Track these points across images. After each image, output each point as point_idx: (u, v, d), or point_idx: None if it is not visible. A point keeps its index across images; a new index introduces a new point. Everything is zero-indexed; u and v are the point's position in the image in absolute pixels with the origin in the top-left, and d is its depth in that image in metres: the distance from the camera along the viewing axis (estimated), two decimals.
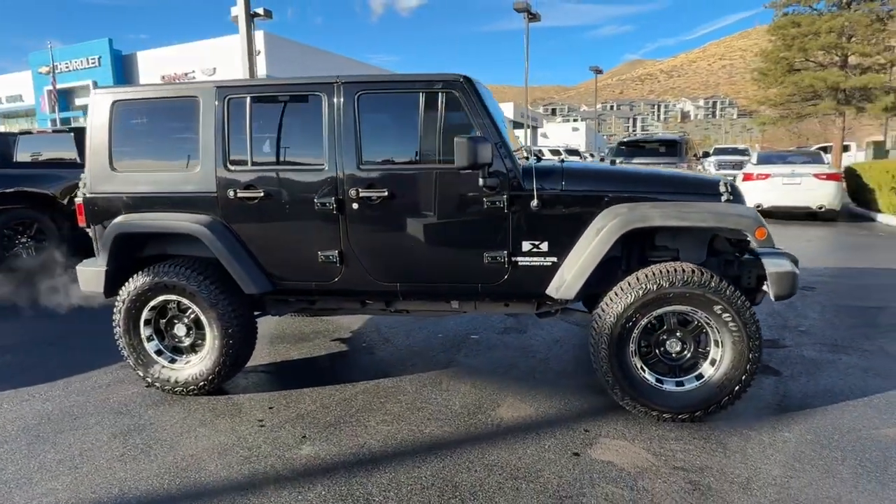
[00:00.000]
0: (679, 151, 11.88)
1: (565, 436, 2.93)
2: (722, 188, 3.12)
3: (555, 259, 3.16)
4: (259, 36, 25.18)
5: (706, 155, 17.44)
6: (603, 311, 3.01)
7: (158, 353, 3.54)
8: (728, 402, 2.95)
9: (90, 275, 3.56)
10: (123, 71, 35.49)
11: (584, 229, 3.10)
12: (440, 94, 3.19)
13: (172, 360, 3.55)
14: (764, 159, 11.55)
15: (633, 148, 12.56)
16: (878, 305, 5.06)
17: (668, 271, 2.90)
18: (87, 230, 3.68)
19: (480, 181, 3.07)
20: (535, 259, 3.17)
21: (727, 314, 2.86)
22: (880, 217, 10.95)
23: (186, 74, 33.98)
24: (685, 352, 3.04)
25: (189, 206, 3.40)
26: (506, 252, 3.17)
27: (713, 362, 2.98)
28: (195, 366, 3.46)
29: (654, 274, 2.91)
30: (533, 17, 27.53)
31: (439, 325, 4.82)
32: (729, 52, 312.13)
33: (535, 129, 58.38)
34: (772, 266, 2.93)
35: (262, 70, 25.99)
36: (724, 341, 2.92)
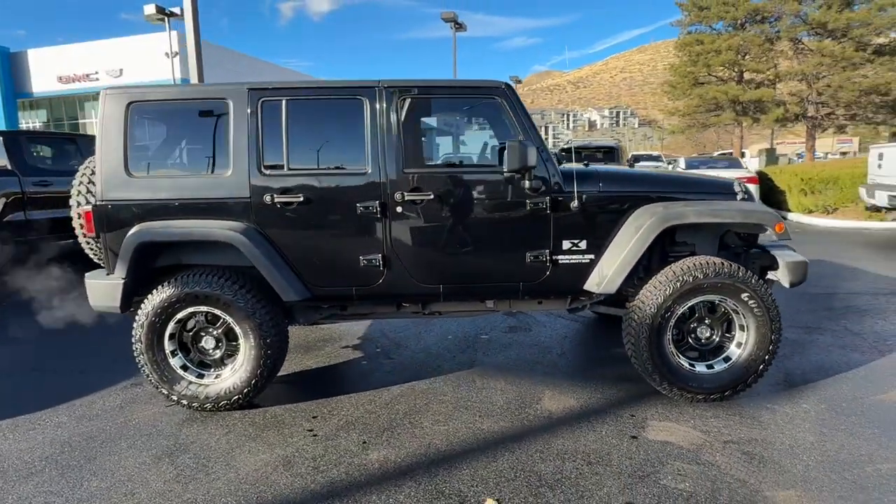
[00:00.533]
0: (616, 157, 12.64)
1: (616, 422, 3.11)
2: (737, 188, 3.46)
3: (592, 256, 3.35)
4: (174, 37, 23.87)
5: (636, 160, 18.65)
6: (643, 302, 3.22)
7: (184, 368, 3.35)
8: (753, 380, 3.27)
9: (104, 289, 3.30)
10: (12, 70, 32.29)
11: (618, 228, 3.31)
12: (483, 99, 3.29)
13: (200, 375, 3.37)
14: (691, 164, 12.60)
15: (574, 154, 13.15)
16: (827, 292, 5.73)
17: (703, 264, 3.17)
18: (85, 241, 3.43)
19: (526, 183, 3.21)
20: (574, 257, 3.35)
21: (753, 300, 3.18)
22: (791, 216, 12.28)
23: (88, 76, 31.50)
24: (713, 337, 3.33)
25: (219, 213, 3.26)
26: (547, 251, 3.32)
27: (739, 345, 3.28)
28: (226, 379, 3.31)
29: (690, 267, 3.17)
30: (459, 26, 28.09)
31: (445, 328, 4.88)
32: (629, 66, 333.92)
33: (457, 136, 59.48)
34: (787, 257, 3.29)
35: (176, 73, 24.66)
36: (748, 325, 3.23)
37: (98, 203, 3.29)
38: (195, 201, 3.27)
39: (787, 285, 3.30)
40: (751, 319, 3.21)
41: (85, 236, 3.47)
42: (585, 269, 3.36)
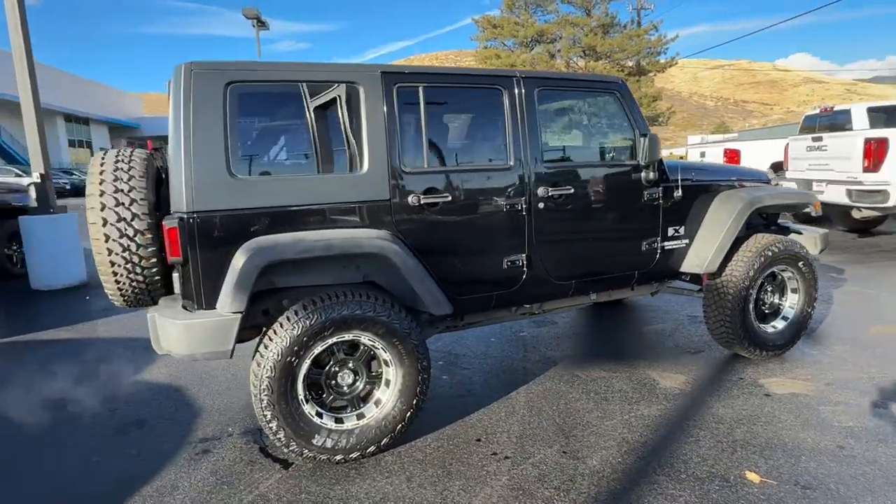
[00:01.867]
0: None
1: (737, 387, 3.46)
2: (770, 176, 4.12)
3: (687, 241, 3.66)
4: None
5: None
6: (733, 276, 3.63)
7: (319, 414, 2.71)
8: (803, 335, 3.94)
9: (205, 329, 2.48)
10: None
11: (705, 213, 3.68)
12: (603, 94, 3.34)
13: (338, 420, 2.76)
14: None
15: None
16: None
17: (777, 240, 3.71)
18: (125, 268, 2.59)
19: (651, 175, 3.36)
20: (675, 242, 3.61)
21: (805, 266, 3.84)
22: None
23: None
24: (776, 300, 3.92)
25: (349, 219, 2.72)
26: (658, 238, 3.52)
27: (792, 306, 3.93)
28: (372, 418, 2.78)
29: (769, 243, 3.68)
30: (262, 24, 26.35)
31: (473, 333, 4.72)
32: None
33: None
34: (813, 231, 4.03)
35: None
36: (800, 288, 3.89)
37: (187, 216, 2.46)
38: (325, 207, 2.67)
39: (817, 253, 4.05)
40: (802, 283, 3.87)
41: (132, 266, 2.57)
42: (682, 253, 3.65)
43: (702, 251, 3.63)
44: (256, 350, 2.60)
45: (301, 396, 2.63)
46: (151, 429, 3.18)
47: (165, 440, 3.04)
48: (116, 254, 2.67)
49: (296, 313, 2.55)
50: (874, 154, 6.59)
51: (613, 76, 3.38)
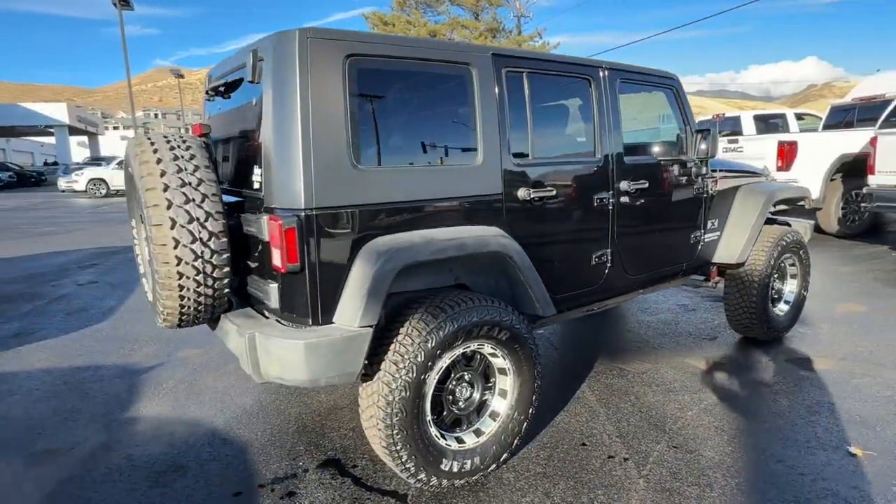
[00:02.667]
0: None
1: (774, 367, 3.71)
2: (766, 171, 4.47)
3: (719, 233, 3.84)
4: None
5: None
6: (754, 266, 3.88)
7: (441, 436, 2.40)
8: (800, 314, 4.34)
9: (340, 347, 2.07)
10: None
11: (730, 207, 3.89)
12: (663, 87, 3.37)
13: (459, 440, 2.48)
14: None
15: None
16: None
17: (787, 231, 4.02)
18: (199, 280, 2.15)
19: (704, 169, 3.47)
20: (712, 234, 3.78)
21: (805, 254, 4.22)
22: None
23: None
24: (779, 286, 4.25)
25: (466, 215, 2.46)
26: (701, 231, 3.66)
27: (792, 290, 4.29)
28: (490, 433, 2.54)
29: (782, 233, 3.98)
30: (126, 4, 23.47)
31: None
32: None
33: (93, 135, 49.15)
34: (803, 222, 4.45)
35: None
36: (799, 273, 4.27)
37: (305, 214, 2.04)
38: (439, 202, 2.38)
39: (807, 241, 4.47)
40: (801, 268, 4.25)
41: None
42: (715, 245, 3.83)
43: (733, 243, 3.83)
44: (378, 369, 2.23)
45: (428, 418, 2.31)
46: (199, 474, 2.62)
47: (227, 485, 2.52)
48: (187, 262, 2.16)
49: (426, 323, 2.23)
50: (787, 155, 7.51)
51: (671, 72, 3.43)
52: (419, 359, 2.19)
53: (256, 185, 2.25)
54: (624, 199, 3.06)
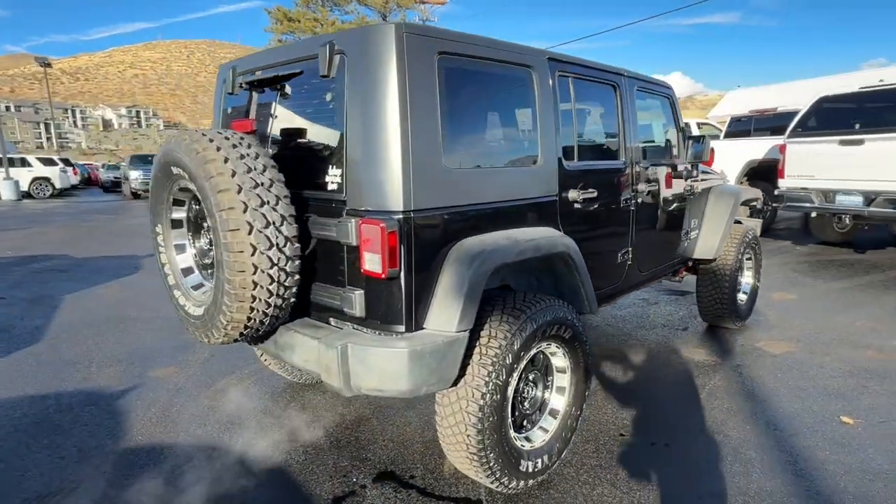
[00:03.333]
0: None
1: (749, 352, 4.09)
2: (723, 174, 4.91)
3: (698, 231, 4.18)
4: None
5: None
6: (726, 260, 4.27)
7: (516, 437, 2.41)
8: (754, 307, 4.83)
9: (441, 353, 2.01)
10: None
11: (705, 207, 4.25)
12: (663, 96, 3.61)
13: (529, 440, 2.50)
14: None
15: None
16: None
17: (749, 228, 4.46)
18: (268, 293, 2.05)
19: (694, 172, 3.76)
20: (694, 232, 4.10)
21: (759, 249, 4.71)
22: None
23: None
24: (740, 277, 4.70)
25: (528, 217, 2.49)
26: (687, 230, 3.96)
27: (748, 281, 4.76)
28: (553, 431, 2.59)
29: (746, 230, 4.41)
30: None
31: None
32: (139, 62, 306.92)
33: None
34: (754, 220, 4.95)
35: None
36: (753, 265, 4.74)
37: (404, 216, 1.97)
38: (514, 204, 2.40)
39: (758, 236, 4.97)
40: (755, 262, 4.74)
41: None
42: (695, 243, 4.16)
43: (709, 240, 4.18)
44: (463, 373, 2.18)
45: (509, 420, 2.31)
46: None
47: None
48: (262, 270, 1.99)
49: (510, 325, 2.22)
50: (710, 160, 8.32)
51: (667, 82, 3.68)
52: (507, 361, 2.18)
53: (334, 186, 2.12)
54: (640, 199, 3.24)
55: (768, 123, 9.41)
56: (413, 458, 2.74)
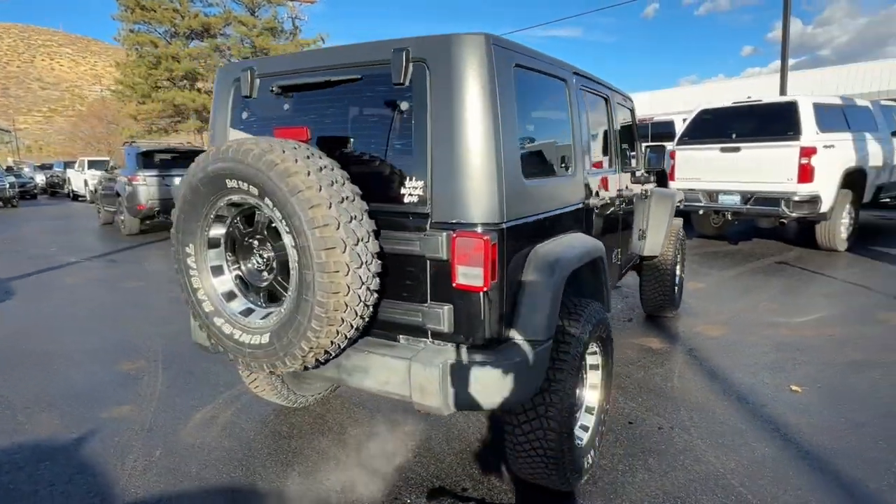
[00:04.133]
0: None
1: (694, 338, 4.60)
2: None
3: (646, 230, 4.60)
4: None
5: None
6: (667, 255, 4.75)
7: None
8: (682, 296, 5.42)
9: (536, 364, 2.03)
10: None
11: (649, 209, 4.70)
12: (626, 108, 3.92)
13: (579, 438, 2.59)
14: None
15: (154, 157, 11.26)
16: None
17: (679, 227, 5.00)
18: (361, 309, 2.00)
19: (652, 178, 4.14)
20: (643, 233, 4.51)
21: (685, 245, 5.30)
22: None
23: None
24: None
25: (569, 224, 2.61)
26: (641, 230, 4.35)
27: (678, 273, 5.32)
28: (592, 427, 2.72)
29: (678, 228, 4.94)
30: None
31: None
32: None
33: None
34: (677, 219, 5.55)
35: None
36: (680, 260, 5.33)
37: (497, 229, 1.98)
38: (559, 212, 2.50)
39: None
40: (682, 255, 5.31)
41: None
42: (645, 241, 4.58)
43: (655, 239, 4.63)
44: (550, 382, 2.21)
45: (578, 421, 2.40)
46: None
47: None
48: (353, 290, 1.88)
49: (575, 329, 2.31)
50: None
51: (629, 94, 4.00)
52: (575, 363, 2.26)
53: (413, 199, 2.03)
54: (623, 204, 3.51)
55: (643, 131, 10.55)
56: (453, 471, 2.71)
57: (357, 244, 1.86)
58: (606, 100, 3.30)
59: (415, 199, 2.04)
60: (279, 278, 2.06)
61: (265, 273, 2.11)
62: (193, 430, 3.14)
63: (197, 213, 2.07)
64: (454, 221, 1.97)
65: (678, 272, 5.23)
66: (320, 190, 1.81)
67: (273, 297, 2.15)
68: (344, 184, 1.91)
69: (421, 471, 2.71)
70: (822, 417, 3.17)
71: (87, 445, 2.99)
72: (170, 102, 23.36)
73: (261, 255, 2.10)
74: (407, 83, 2.01)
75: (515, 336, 2.09)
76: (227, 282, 2.16)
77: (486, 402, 1.98)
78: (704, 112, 8.00)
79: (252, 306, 2.14)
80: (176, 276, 2.20)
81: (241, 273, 2.16)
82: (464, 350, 2.03)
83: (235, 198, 1.97)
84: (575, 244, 2.39)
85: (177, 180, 11.10)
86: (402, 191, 2.06)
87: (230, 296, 2.14)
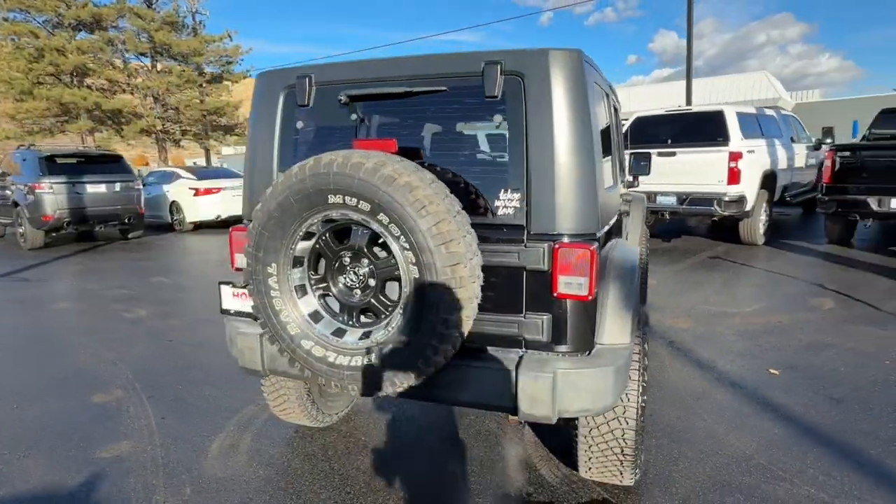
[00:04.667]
0: (124, 168, 10.72)
1: (669, 331, 4.94)
2: None
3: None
4: None
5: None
6: (640, 255, 5.07)
7: None
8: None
9: (627, 366, 2.12)
10: None
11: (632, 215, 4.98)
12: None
13: None
14: (205, 175, 12.27)
15: (60, 163, 10.11)
16: None
17: (645, 228, 5.36)
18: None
19: (636, 183, 4.40)
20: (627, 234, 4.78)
21: (648, 243, 5.68)
22: None
23: None
24: None
25: (616, 231, 2.74)
26: (627, 232, 4.61)
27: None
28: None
29: (644, 229, 5.29)
30: None
31: None
32: None
33: None
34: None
35: None
36: (646, 256, 5.70)
37: (600, 238, 2.06)
38: (615, 220, 2.61)
39: None
40: (646, 254, 5.70)
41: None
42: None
43: (633, 239, 4.92)
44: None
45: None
46: None
47: None
48: (471, 306, 1.88)
49: (640, 329, 2.44)
50: None
51: None
52: (645, 362, 2.39)
53: (508, 211, 2.05)
54: (627, 210, 3.72)
55: None
56: (505, 477, 2.74)
57: (472, 259, 1.85)
58: (616, 110, 3.49)
59: (510, 210, 2.05)
60: (380, 296, 1.98)
61: (357, 291, 2.02)
62: (216, 461, 2.91)
63: (284, 230, 1.94)
64: (556, 233, 2.01)
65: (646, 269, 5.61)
66: (440, 204, 1.77)
67: (361, 317, 2.07)
68: (446, 198, 1.88)
69: (472, 480, 2.71)
70: (806, 396, 3.55)
71: (99, 490, 2.67)
72: (55, 100, 20.98)
73: (355, 273, 2.00)
74: (500, 96, 2.02)
75: (604, 340, 2.17)
76: (310, 302, 2.04)
77: (593, 406, 2.04)
78: (639, 119, 8.59)
79: (343, 326, 2.04)
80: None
81: (328, 292, 2.05)
82: (566, 358, 2.08)
83: (335, 213, 1.87)
84: (633, 250, 2.52)
85: (89, 188, 10.08)
86: (497, 203, 2.07)
87: (315, 317, 2.03)
